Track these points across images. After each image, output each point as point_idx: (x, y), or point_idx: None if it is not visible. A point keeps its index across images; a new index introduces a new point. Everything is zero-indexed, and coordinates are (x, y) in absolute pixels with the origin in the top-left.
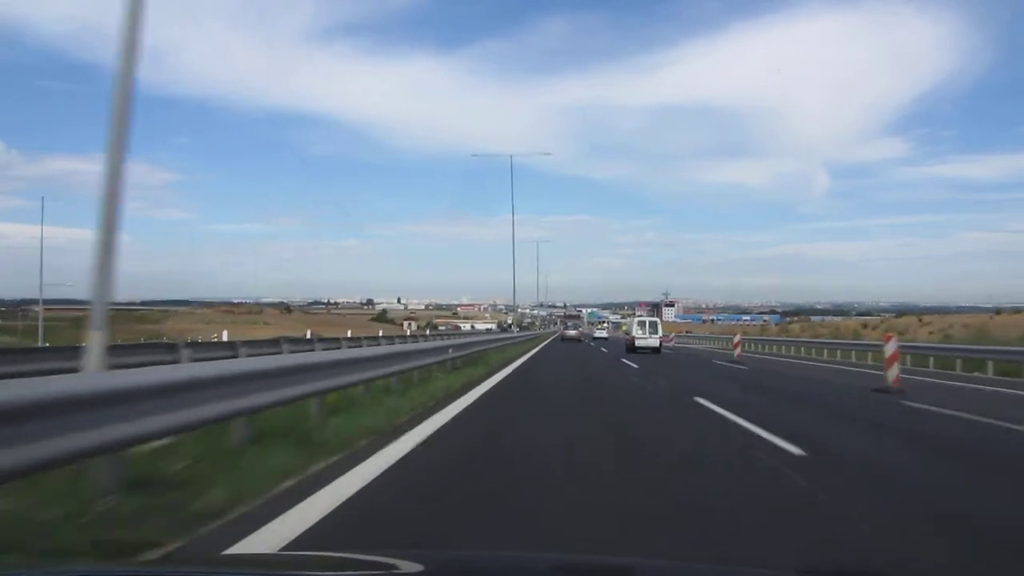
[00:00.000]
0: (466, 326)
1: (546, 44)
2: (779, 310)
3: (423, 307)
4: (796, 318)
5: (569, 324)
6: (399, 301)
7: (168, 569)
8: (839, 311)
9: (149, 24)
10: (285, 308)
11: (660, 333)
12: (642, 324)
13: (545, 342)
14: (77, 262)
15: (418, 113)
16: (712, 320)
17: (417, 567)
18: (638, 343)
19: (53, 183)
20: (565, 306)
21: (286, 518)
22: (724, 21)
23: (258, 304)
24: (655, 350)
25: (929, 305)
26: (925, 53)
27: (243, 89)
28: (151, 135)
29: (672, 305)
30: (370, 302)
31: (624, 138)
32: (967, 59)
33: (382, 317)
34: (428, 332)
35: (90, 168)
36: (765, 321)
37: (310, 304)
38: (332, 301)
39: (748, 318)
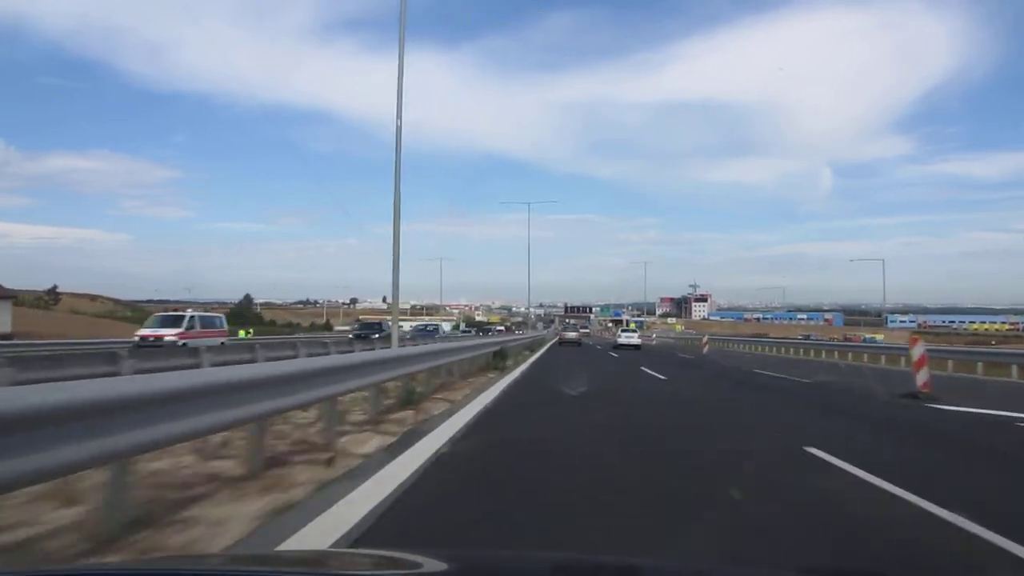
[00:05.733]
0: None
1: (548, 40)
2: (803, 310)
3: (409, 306)
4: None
5: (568, 324)
6: (384, 300)
7: (178, 567)
8: (843, 311)
9: (149, 20)
10: (53, 295)
11: None
12: None
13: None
14: (80, 262)
15: (418, 110)
16: (757, 319)
17: (426, 566)
18: None
19: (53, 181)
20: (566, 306)
21: None
22: (729, 18)
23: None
24: None
25: (936, 306)
26: (931, 50)
27: (244, 86)
28: (152, 132)
29: (704, 300)
30: (354, 301)
31: (626, 135)
32: (974, 56)
33: (243, 311)
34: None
35: (91, 166)
36: (827, 321)
37: (295, 303)
38: (312, 300)
39: (804, 316)
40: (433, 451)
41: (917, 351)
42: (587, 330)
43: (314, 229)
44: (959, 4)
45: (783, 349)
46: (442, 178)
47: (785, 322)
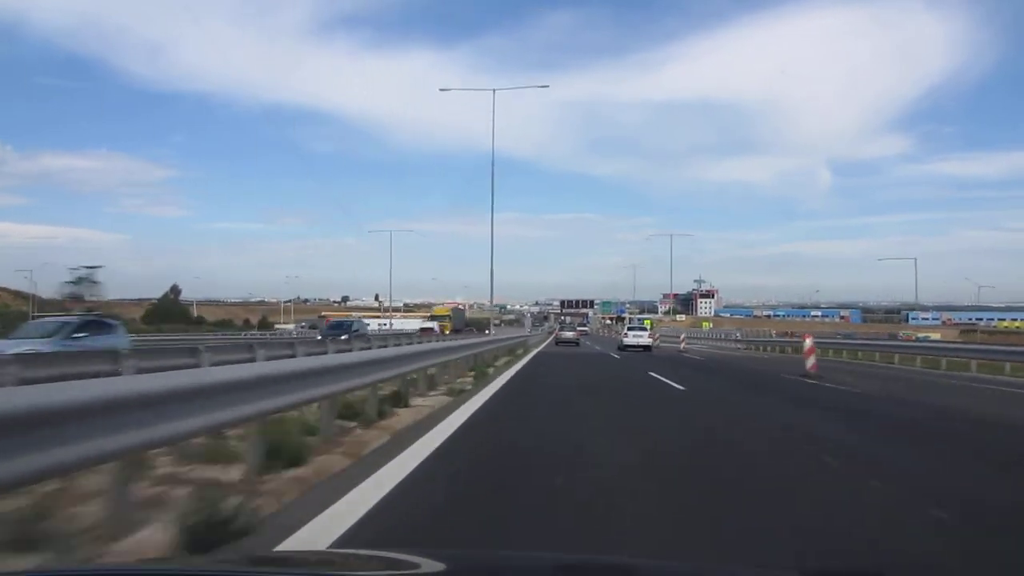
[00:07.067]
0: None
1: (548, 39)
2: (830, 311)
3: (402, 304)
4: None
5: (565, 323)
6: (376, 298)
7: (178, 568)
8: (840, 307)
9: (148, 20)
10: None
11: None
12: None
13: None
14: (77, 262)
15: (417, 109)
16: (769, 316)
17: (424, 567)
18: None
19: (49, 180)
20: (563, 301)
21: None
22: (728, 16)
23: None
24: None
25: (934, 304)
26: (930, 49)
27: (242, 85)
28: (151, 132)
29: (711, 296)
30: (345, 299)
31: (625, 134)
32: (972, 56)
33: (167, 307)
34: None
35: (87, 165)
36: (844, 318)
37: (287, 301)
38: (303, 298)
39: (819, 313)
40: None
41: None
42: (586, 328)
43: (313, 228)
44: (958, 4)
45: None
46: (441, 177)
47: (800, 319)
